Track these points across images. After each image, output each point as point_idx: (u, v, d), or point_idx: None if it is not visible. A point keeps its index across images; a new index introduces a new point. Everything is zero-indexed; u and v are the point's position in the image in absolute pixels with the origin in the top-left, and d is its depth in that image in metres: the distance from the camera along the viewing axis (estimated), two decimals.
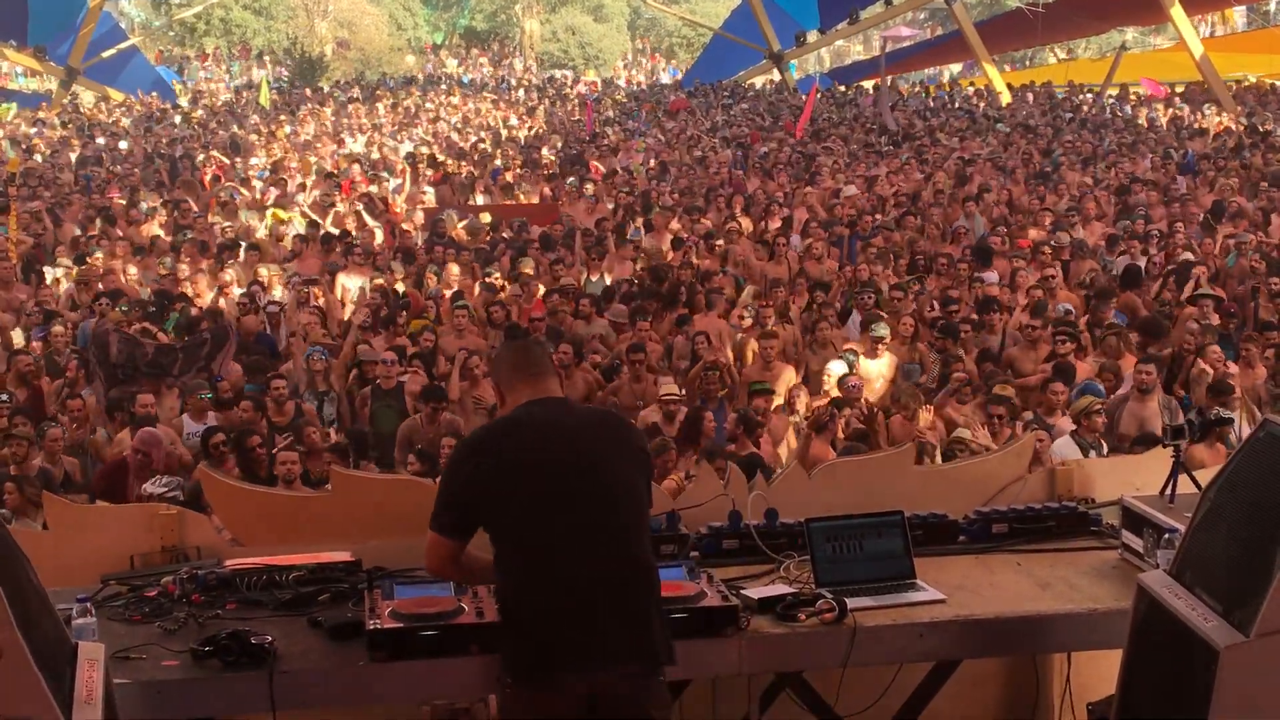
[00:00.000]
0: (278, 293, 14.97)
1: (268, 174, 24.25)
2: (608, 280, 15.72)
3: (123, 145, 28.93)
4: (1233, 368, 11.45)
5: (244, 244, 17.74)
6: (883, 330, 12.29)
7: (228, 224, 19.68)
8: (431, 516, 4.28)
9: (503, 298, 14.48)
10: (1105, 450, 9.75)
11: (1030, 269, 15.00)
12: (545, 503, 4.14)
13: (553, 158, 26.86)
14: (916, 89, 42.96)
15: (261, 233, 18.94)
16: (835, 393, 11.06)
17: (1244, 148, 24.35)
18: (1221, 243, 16.43)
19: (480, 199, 22.44)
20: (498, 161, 26.00)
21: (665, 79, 55.63)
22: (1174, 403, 10.89)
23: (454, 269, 15.75)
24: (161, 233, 18.79)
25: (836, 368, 11.68)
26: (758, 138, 28.02)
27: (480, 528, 4.26)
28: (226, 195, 21.68)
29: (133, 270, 16.31)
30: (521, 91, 42.49)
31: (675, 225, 18.36)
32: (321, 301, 14.49)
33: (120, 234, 18.33)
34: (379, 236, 18.61)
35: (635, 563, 4.22)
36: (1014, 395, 10.56)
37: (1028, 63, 57.73)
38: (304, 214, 19.90)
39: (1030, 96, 35.24)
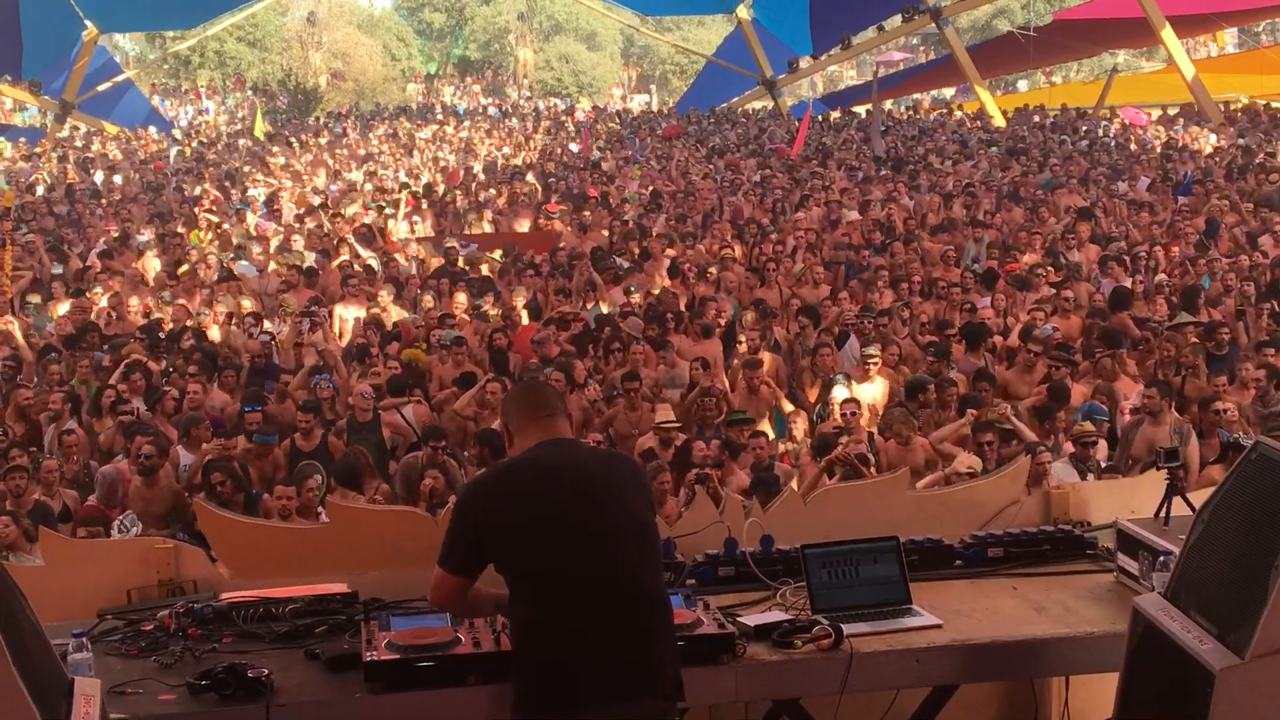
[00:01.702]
0: (269, 324, 14.96)
1: (263, 207, 24.26)
2: (604, 309, 15.72)
3: (117, 179, 28.95)
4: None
5: (238, 271, 17.77)
6: (873, 351, 12.34)
7: (229, 256, 19.66)
8: (440, 554, 4.30)
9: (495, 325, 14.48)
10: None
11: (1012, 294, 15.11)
12: (556, 541, 4.15)
13: (537, 185, 26.83)
14: (906, 112, 43.06)
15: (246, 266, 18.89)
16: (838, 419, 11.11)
17: (1237, 169, 24.40)
18: (1200, 265, 16.46)
19: (487, 227, 22.41)
20: (490, 190, 26.00)
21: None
22: (1186, 427, 10.88)
23: (461, 298, 15.75)
24: (159, 265, 18.82)
25: (840, 393, 11.71)
26: (736, 163, 28.05)
27: (489, 565, 4.28)
28: (219, 225, 21.75)
29: (134, 303, 16.29)
30: (515, 120, 42.54)
31: (671, 251, 18.38)
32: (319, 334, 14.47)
33: (119, 267, 18.36)
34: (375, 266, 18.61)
35: (649, 597, 4.24)
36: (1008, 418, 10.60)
37: (1016, 86, 57.93)
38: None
39: (1036, 118, 35.27)
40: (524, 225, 22.50)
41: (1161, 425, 10.62)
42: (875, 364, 12.23)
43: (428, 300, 15.91)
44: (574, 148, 33.15)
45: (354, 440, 11.48)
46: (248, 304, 15.78)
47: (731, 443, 10.43)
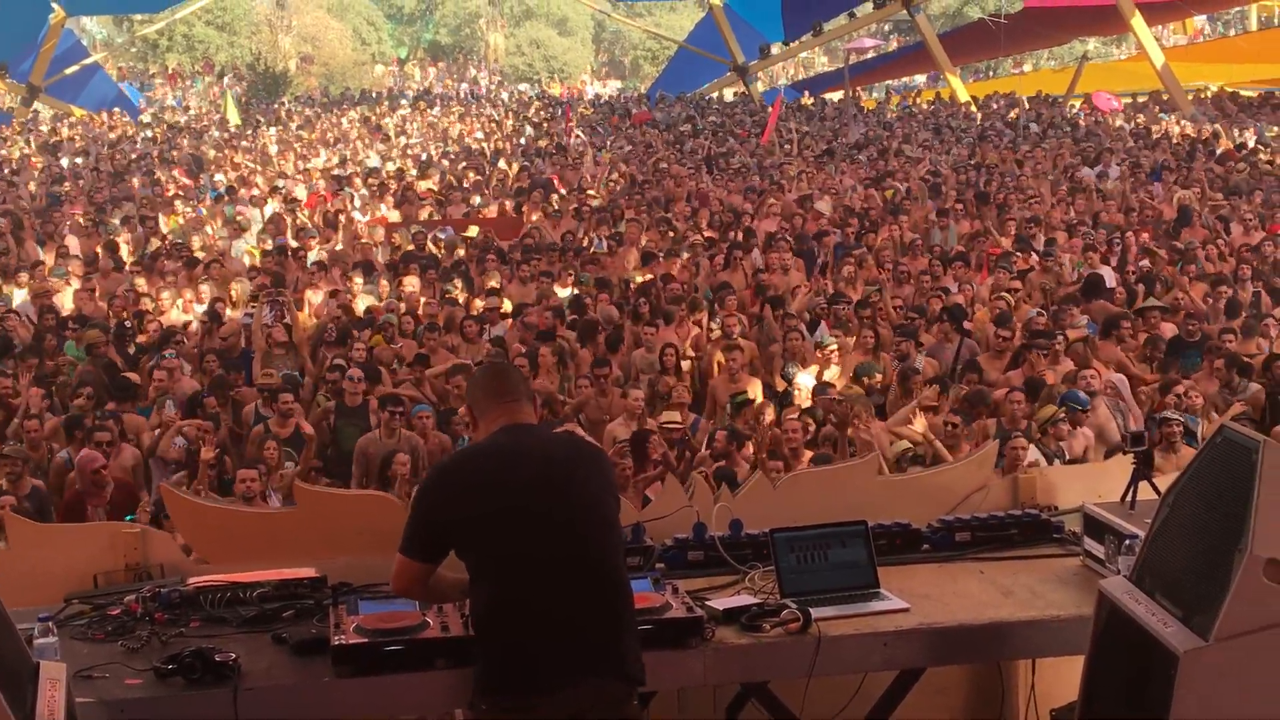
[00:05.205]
0: (251, 308, 14.85)
1: (230, 191, 24.12)
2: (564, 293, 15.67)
3: (79, 161, 28.74)
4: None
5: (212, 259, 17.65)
6: (829, 341, 12.38)
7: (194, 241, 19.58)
8: (401, 541, 4.29)
9: (475, 311, 14.44)
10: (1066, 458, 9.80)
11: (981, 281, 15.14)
12: (515, 526, 4.15)
13: (511, 170, 26.76)
14: (877, 98, 43.16)
15: (237, 252, 18.80)
16: (806, 404, 11.10)
17: (1209, 156, 24.53)
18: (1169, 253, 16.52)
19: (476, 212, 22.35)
20: (474, 176, 25.91)
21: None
22: (1123, 404, 10.95)
23: (412, 281, 15.65)
24: (127, 250, 18.70)
25: (805, 380, 11.74)
26: (715, 151, 28.05)
27: (451, 551, 4.27)
28: (191, 211, 21.67)
29: (98, 289, 16.16)
30: (489, 106, 42.39)
31: (644, 239, 18.35)
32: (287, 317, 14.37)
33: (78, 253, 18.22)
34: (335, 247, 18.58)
35: (608, 582, 4.23)
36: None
37: (990, 74, 58.07)
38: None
39: (994, 105, 35.32)
40: (493, 211, 22.45)
41: (1099, 406, 10.67)
42: (833, 353, 12.24)
43: (384, 285, 15.89)
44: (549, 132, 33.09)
45: (342, 424, 11.44)
46: (236, 290, 15.73)
47: (737, 433, 10.39)
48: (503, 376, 4.63)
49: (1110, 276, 15.46)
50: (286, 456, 9.77)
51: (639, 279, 15.84)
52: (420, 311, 14.49)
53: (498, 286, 15.65)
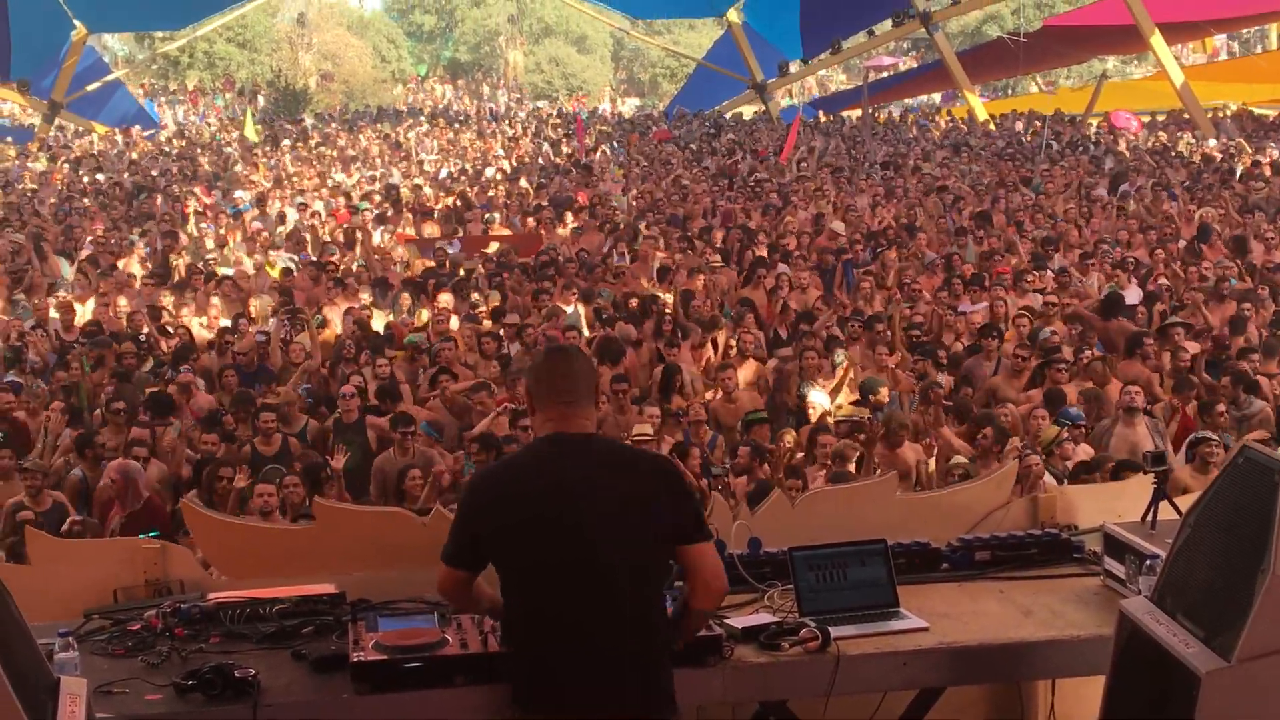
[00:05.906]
0: (271, 324, 14.92)
1: (251, 208, 24.23)
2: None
3: (100, 177, 28.88)
4: None
5: (226, 274, 17.72)
6: (840, 357, 12.40)
7: (211, 256, 19.68)
8: (444, 547, 4.29)
9: (489, 328, 14.47)
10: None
11: (1010, 297, 15.08)
12: (534, 535, 4.13)
13: (530, 187, 26.82)
14: (895, 116, 43.14)
15: (249, 266, 18.89)
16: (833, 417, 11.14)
17: (1230, 175, 24.47)
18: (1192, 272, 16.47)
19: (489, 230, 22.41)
20: (490, 194, 25.98)
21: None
22: (1161, 425, 10.90)
23: (446, 298, 15.71)
24: (139, 268, 18.78)
25: (818, 398, 11.75)
26: (735, 169, 28.07)
27: (490, 562, 4.27)
28: (209, 230, 21.76)
29: (122, 302, 16.25)
30: (507, 125, 42.48)
31: (662, 255, 18.36)
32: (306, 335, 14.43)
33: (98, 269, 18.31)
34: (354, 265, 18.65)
35: (616, 589, 4.15)
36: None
37: (1009, 92, 58.03)
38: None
39: (1021, 125, 35.26)
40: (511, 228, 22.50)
41: (1138, 424, 10.63)
42: (844, 369, 12.26)
43: (405, 300, 15.93)
44: (567, 150, 33.13)
45: (340, 441, 11.43)
46: (255, 305, 15.82)
47: (759, 447, 10.40)
48: (565, 372, 4.37)
49: (1136, 296, 15.42)
50: (274, 473, 9.73)
51: (663, 295, 15.86)
52: (441, 328, 14.53)
53: (501, 306, 15.69)
